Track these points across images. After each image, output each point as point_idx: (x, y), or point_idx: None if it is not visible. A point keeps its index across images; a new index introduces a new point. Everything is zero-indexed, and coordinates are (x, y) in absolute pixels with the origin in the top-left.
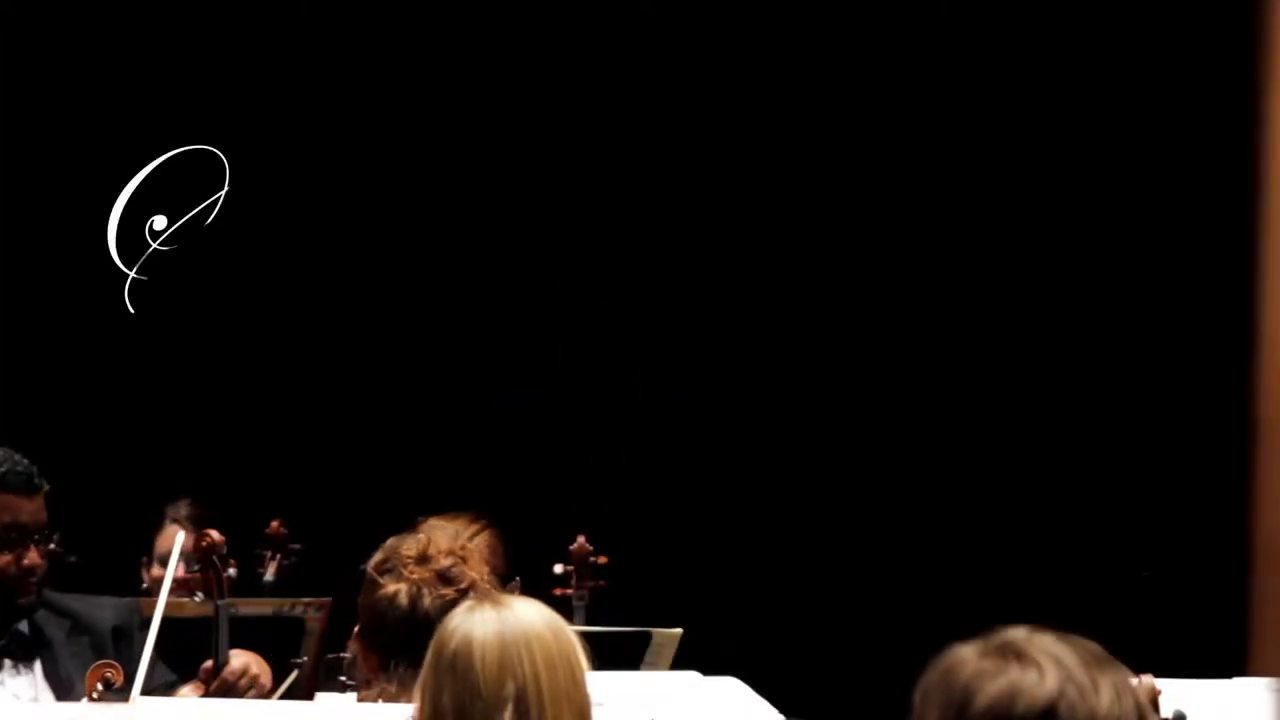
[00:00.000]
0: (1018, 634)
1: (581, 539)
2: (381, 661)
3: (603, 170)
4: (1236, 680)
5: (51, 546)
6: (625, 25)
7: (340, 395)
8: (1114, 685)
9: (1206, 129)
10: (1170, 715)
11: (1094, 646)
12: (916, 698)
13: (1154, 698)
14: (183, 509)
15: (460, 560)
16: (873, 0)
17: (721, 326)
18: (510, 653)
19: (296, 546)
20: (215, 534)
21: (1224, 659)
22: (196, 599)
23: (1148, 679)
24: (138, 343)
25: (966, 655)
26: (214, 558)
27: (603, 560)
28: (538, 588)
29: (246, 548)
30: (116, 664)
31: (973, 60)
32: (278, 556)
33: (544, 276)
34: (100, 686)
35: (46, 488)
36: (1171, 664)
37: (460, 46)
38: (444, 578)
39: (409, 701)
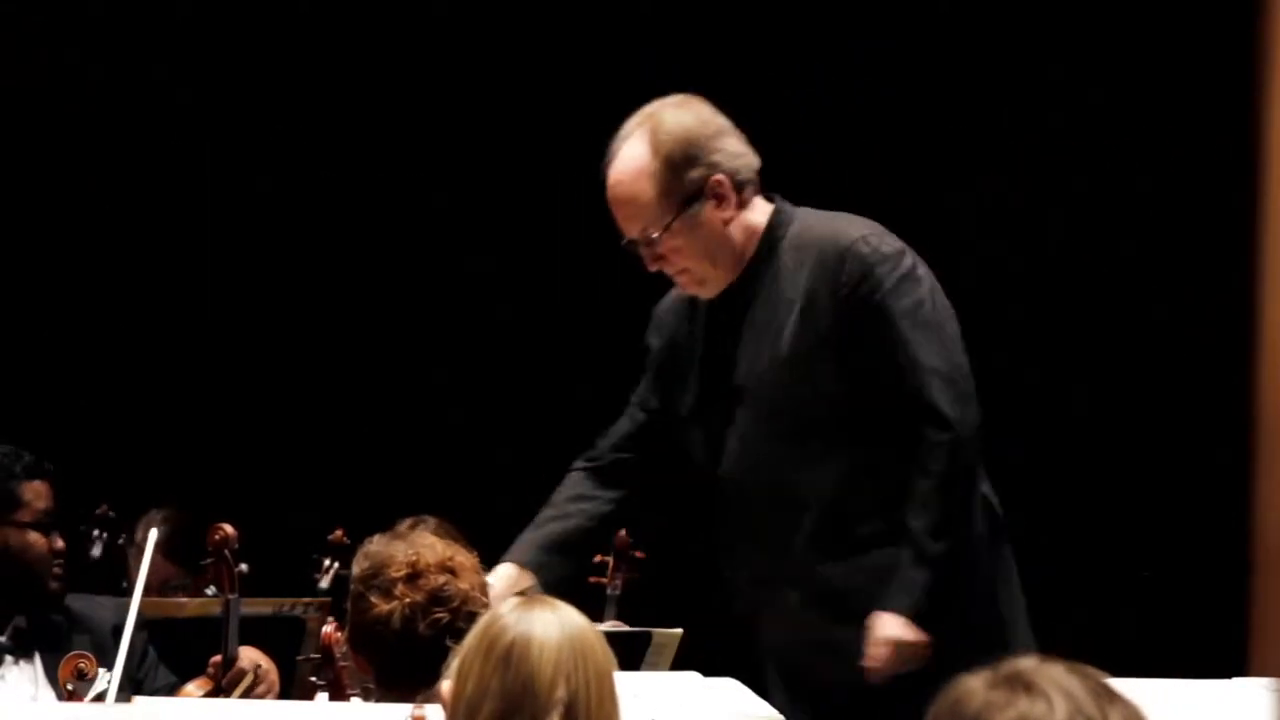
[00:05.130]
0: (1027, 664)
1: (623, 531)
2: (377, 675)
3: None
4: (1236, 680)
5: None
6: (620, 26)
7: (398, 406)
8: (1124, 718)
9: (1207, 129)
10: None
11: (1102, 678)
12: None
13: None
14: (156, 518)
15: (451, 576)
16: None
17: None
18: (566, 658)
19: None
20: (228, 528)
21: (1224, 659)
22: (209, 592)
23: None
24: (178, 347)
25: (975, 686)
26: (226, 551)
27: (640, 555)
28: (573, 574)
29: (305, 552)
30: (90, 655)
31: (972, 57)
32: (335, 565)
33: (556, 276)
34: (74, 677)
35: None
36: (1171, 664)
37: (459, 43)
38: (436, 599)
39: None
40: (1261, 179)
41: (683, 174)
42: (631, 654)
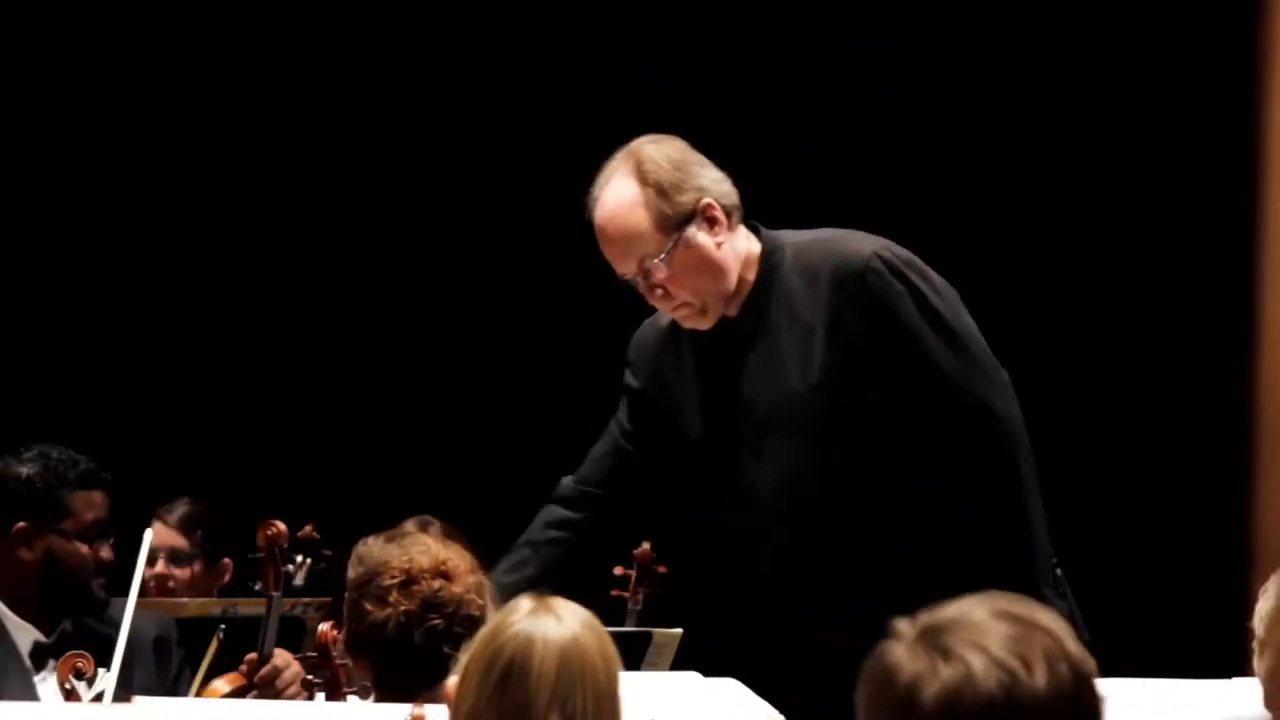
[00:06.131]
0: (946, 616)
1: (647, 545)
2: (376, 679)
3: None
4: (1236, 680)
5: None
6: (621, 26)
7: (381, 403)
8: (1045, 656)
9: (1207, 129)
10: None
11: (1018, 611)
12: (859, 704)
13: None
14: (177, 508)
15: (445, 581)
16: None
17: None
18: (565, 681)
19: (328, 552)
20: (280, 525)
21: (1224, 659)
22: (255, 587)
23: None
24: (178, 346)
25: (900, 657)
26: (276, 549)
27: (662, 570)
28: (595, 587)
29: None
30: (87, 654)
31: (972, 57)
32: (308, 561)
33: (556, 276)
34: (72, 676)
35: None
36: (1172, 664)
37: (459, 44)
38: (430, 605)
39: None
40: (1261, 179)
41: (673, 198)
42: (631, 654)
